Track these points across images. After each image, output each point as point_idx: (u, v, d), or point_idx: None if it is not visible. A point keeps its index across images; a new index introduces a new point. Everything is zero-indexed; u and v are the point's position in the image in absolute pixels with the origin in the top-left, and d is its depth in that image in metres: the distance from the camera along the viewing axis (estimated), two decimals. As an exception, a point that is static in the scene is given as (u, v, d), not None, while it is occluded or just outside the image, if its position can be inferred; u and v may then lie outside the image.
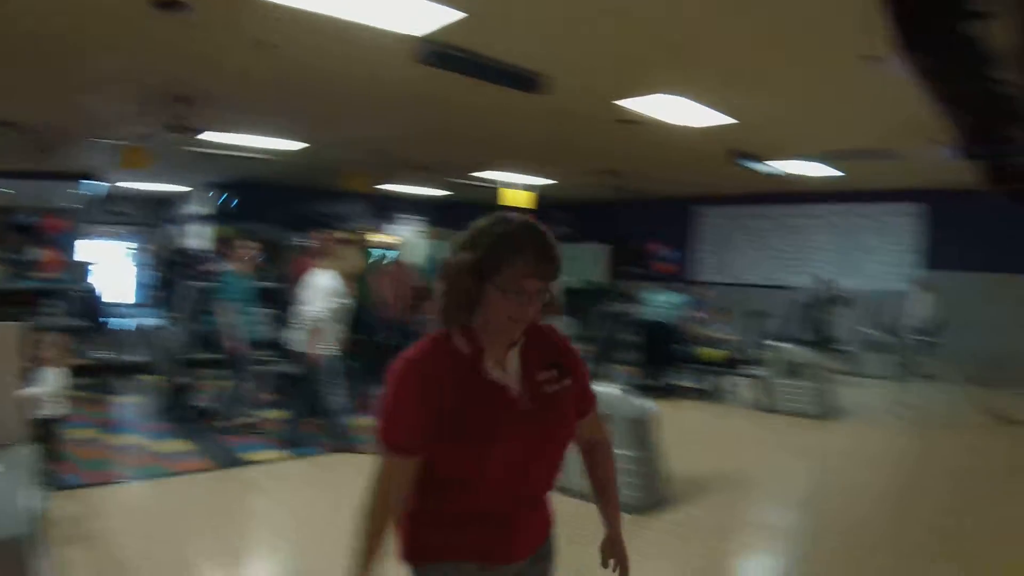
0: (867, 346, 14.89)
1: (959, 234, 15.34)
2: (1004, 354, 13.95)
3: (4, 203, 12.57)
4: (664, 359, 11.62)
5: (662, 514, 6.08)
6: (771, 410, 10.57)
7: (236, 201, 18.47)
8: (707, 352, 11.52)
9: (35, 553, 2.80)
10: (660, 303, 11.79)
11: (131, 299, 19.62)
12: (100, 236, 19.72)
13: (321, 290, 7.32)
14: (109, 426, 8.19)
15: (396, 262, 11.95)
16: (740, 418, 10.47)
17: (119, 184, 18.18)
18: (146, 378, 9.83)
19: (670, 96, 8.80)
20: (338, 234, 9.80)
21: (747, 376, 11.20)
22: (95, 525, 5.35)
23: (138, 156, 10.85)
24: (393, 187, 18.40)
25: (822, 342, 14.13)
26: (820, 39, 6.72)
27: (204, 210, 19.16)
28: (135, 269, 21.41)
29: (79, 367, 7.21)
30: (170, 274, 14.18)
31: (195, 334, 9.19)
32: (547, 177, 16.46)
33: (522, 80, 7.67)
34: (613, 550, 2.44)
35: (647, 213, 20.01)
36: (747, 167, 12.44)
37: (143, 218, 21.93)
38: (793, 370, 10.61)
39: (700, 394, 11.59)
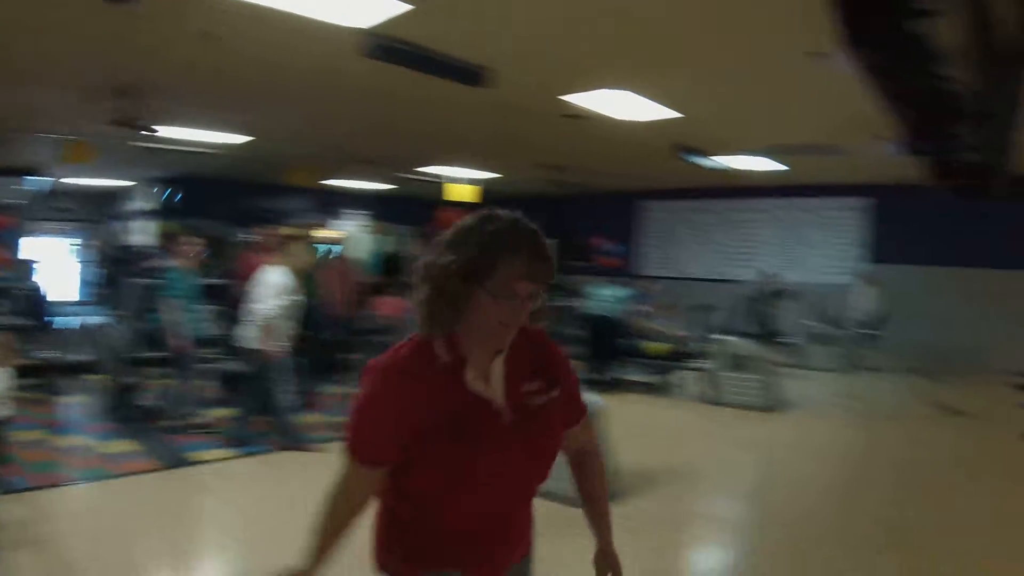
0: (812, 339, 15.07)
1: (904, 228, 15.62)
2: (948, 346, 14.22)
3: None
4: (610, 353, 11.68)
5: (610, 507, 6.10)
6: (717, 403, 10.66)
7: (181, 196, 18.26)
8: (652, 346, 11.60)
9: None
10: (605, 297, 11.84)
11: (75, 297, 19.32)
12: (44, 233, 19.43)
13: (272, 287, 7.26)
14: (55, 427, 8.07)
15: (340, 257, 11.90)
16: (686, 411, 10.54)
17: (63, 180, 17.90)
18: (91, 378, 9.70)
19: (614, 91, 8.84)
20: (283, 230, 9.74)
21: (693, 369, 11.29)
22: (43, 528, 5.27)
23: (81, 151, 10.71)
24: (337, 182, 18.31)
25: (767, 335, 14.29)
26: (766, 34, 6.77)
27: (149, 206, 18.92)
28: (79, 266, 21.08)
29: (24, 367, 7.09)
30: (114, 271, 14.01)
31: (140, 332, 9.08)
32: (492, 171, 16.47)
33: (467, 74, 7.67)
34: (606, 561, 2.35)
35: (592, 207, 20.10)
36: (692, 162, 12.53)
37: (87, 214, 21.59)
38: (738, 363, 10.72)
39: (646, 388, 11.66)
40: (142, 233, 18.43)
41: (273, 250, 7.89)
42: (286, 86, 9.14)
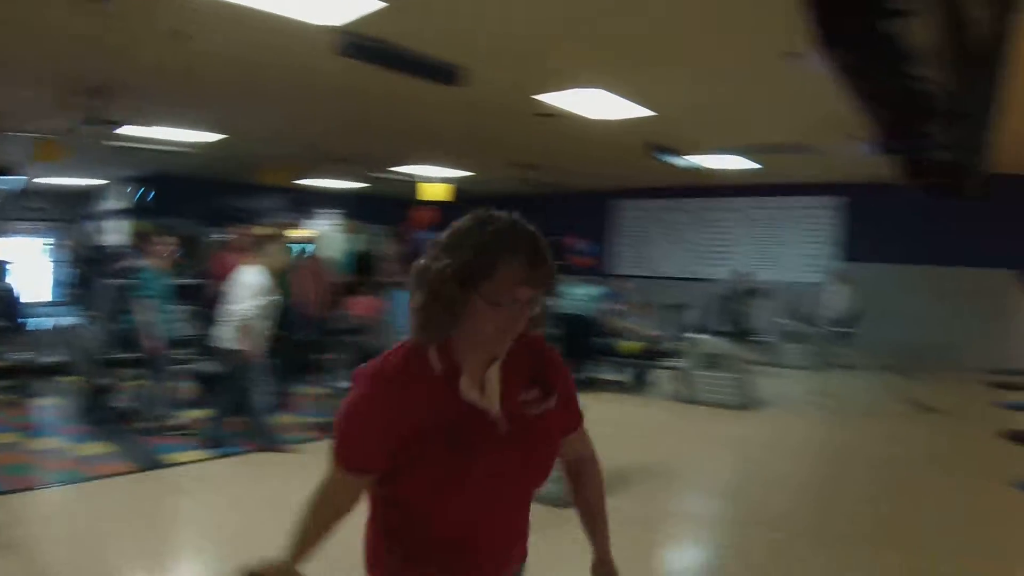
0: (785, 337, 15.15)
1: (877, 227, 15.76)
2: (921, 344, 14.34)
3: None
4: (583, 352, 11.66)
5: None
6: (691, 401, 10.70)
7: (154, 195, 18.16)
8: (626, 345, 11.62)
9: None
10: (579, 296, 11.84)
11: (48, 297, 19.19)
12: (17, 233, 19.28)
13: (250, 287, 7.23)
14: (29, 430, 8.00)
15: (313, 257, 11.86)
16: (661, 410, 10.57)
17: (35, 179, 17.78)
18: (65, 379, 9.62)
19: (588, 90, 8.86)
20: (256, 229, 9.70)
21: (667, 368, 11.33)
22: (16, 532, 5.22)
23: (53, 149, 10.64)
24: (310, 181, 18.28)
25: (740, 333, 14.38)
26: (740, 34, 6.81)
27: (122, 205, 18.81)
28: (52, 266, 20.95)
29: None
30: (88, 271, 13.91)
31: (114, 333, 9.01)
32: (465, 170, 16.50)
33: (441, 72, 7.66)
34: (604, 570, 2.31)
35: (566, 206, 20.09)
36: (665, 160, 12.57)
37: (60, 214, 21.45)
38: (712, 362, 10.76)
39: (620, 386, 11.69)
40: (115, 233, 18.33)
41: (247, 250, 7.86)
42: (259, 84, 9.11)
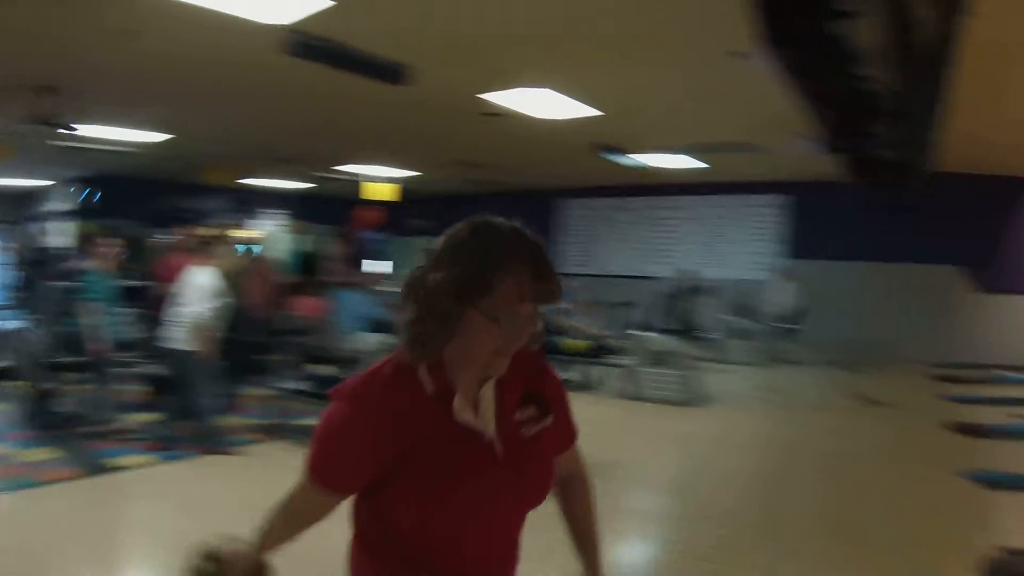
0: (731, 334, 15.30)
1: (822, 224, 15.98)
2: (867, 339, 14.54)
3: None
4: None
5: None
6: (639, 398, 10.76)
7: (100, 196, 17.93)
8: (571, 343, 11.63)
9: None
10: None
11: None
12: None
13: (203, 289, 7.15)
14: (-28, 436, 7.86)
15: (259, 258, 11.78)
16: (608, 407, 10.59)
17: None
18: (9, 384, 9.44)
19: (533, 89, 8.88)
20: (202, 230, 9.60)
21: (613, 366, 11.37)
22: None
23: (-4, 150, 10.46)
24: (256, 181, 18.16)
25: (686, 331, 14.46)
26: (688, 34, 6.85)
27: (67, 206, 18.55)
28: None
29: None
30: (32, 274, 13.70)
31: (58, 336, 8.87)
32: (412, 170, 16.51)
33: (387, 71, 7.66)
34: None
35: (513, 205, 20.02)
36: (611, 160, 12.63)
37: (3, 215, 21.12)
38: (658, 359, 10.83)
39: (567, 384, 11.69)
40: (60, 234, 18.06)
41: (195, 251, 7.78)
42: (206, 83, 9.05)
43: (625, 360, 11.17)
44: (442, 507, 1.71)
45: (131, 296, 8.92)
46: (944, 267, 14.98)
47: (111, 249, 8.34)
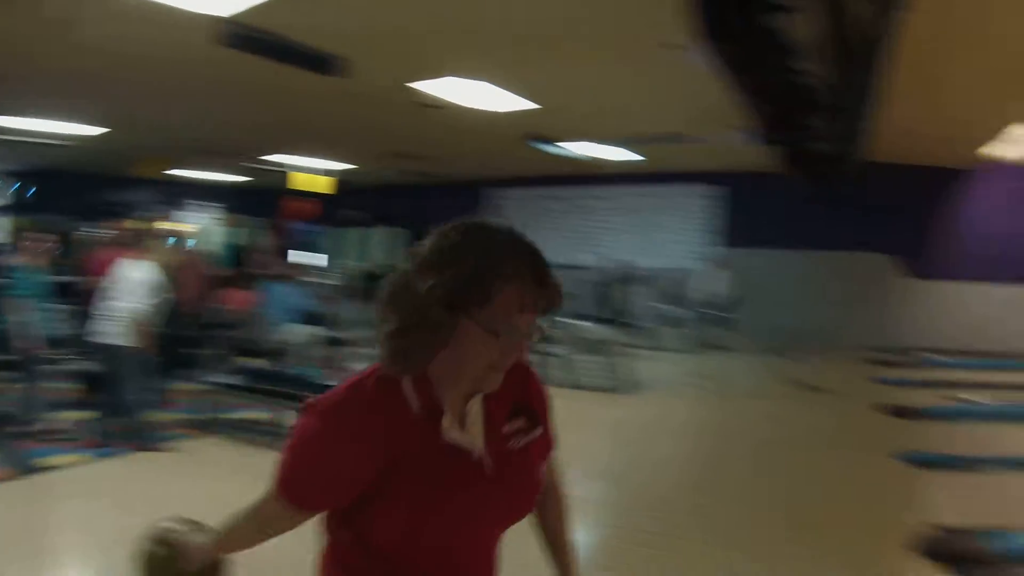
0: (665, 321, 15.43)
1: (757, 214, 16.18)
2: (802, 326, 14.75)
3: None
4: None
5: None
6: (572, 386, 10.75)
7: (33, 190, 17.61)
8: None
9: None
10: None
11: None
12: None
13: (139, 283, 7.04)
14: None
15: (191, 250, 11.64)
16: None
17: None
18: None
19: (464, 79, 8.88)
20: (132, 223, 9.43)
21: (546, 354, 11.38)
22: None
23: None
24: (190, 173, 17.98)
25: (618, 319, 14.53)
26: (623, 26, 6.86)
27: (-1, 201, 18.20)
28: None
29: None
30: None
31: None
32: (348, 162, 16.48)
33: (320, 62, 7.64)
34: None
35: (447, 196, 20.04)
36: (545, 150, 12.67)
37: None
38: (591, 347, 10.88)
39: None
40: (-8, 229, 17.71)
41: (126, 244, 7.65)
42: (142, 76, 8.95)
43: (558, 348, 11.17)
44: (428, 526, 1.60)
45: (63, 292, 8.74)
46: (877, 255, 15.26)
47: (41, 244, 8.18)
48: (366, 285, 13.59)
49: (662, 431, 8.95)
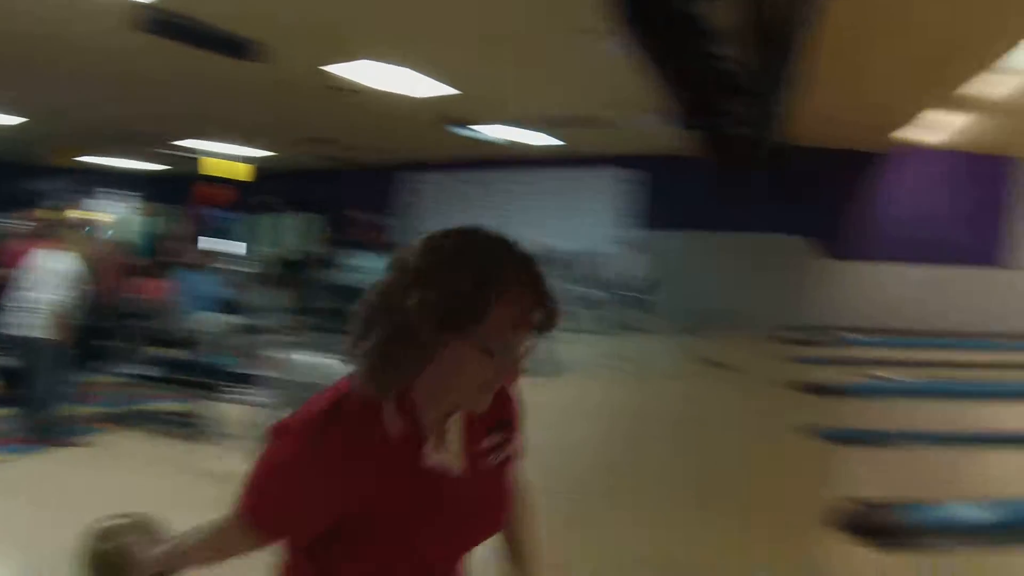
0: (583, 304, 15.48)
1: (677, 197, 16.32)
2: (718, 307, 14.99)
3: None
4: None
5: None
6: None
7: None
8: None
9: None
10: (361, 268, 11.94)
11: None
12: None
13: (57, 274, 6.89)
14: None
15: (107, 240, 11.42)
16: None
17: None
18: None
19: (380, 63, 8.85)
20: (44, 212, 9.22)
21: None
22: None
23: None
24: (106, 161, 17.58)
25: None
26: (541, 12, 6.88)
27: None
28: None
29: None
30: None
31: None
32: (266, 149, 16.33)
33: (238, 47, 7.57)
34: None
35: (365, 180, 19.98)
36: (463, 134, 12.68)
37: None
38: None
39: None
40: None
41: (41, 235, 7.48)
42: (56, 62, 8.77)
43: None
44: (405, 552, 1.51)
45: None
46: (795, 237, 15.54)
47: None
48: (280, 272, 13.46)
49: (579, 413, 8.99)
